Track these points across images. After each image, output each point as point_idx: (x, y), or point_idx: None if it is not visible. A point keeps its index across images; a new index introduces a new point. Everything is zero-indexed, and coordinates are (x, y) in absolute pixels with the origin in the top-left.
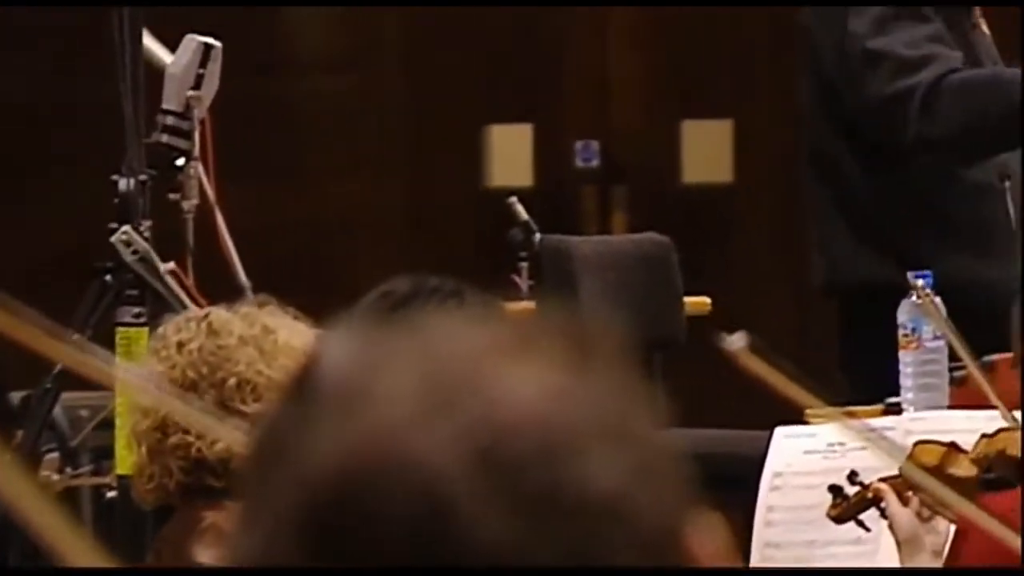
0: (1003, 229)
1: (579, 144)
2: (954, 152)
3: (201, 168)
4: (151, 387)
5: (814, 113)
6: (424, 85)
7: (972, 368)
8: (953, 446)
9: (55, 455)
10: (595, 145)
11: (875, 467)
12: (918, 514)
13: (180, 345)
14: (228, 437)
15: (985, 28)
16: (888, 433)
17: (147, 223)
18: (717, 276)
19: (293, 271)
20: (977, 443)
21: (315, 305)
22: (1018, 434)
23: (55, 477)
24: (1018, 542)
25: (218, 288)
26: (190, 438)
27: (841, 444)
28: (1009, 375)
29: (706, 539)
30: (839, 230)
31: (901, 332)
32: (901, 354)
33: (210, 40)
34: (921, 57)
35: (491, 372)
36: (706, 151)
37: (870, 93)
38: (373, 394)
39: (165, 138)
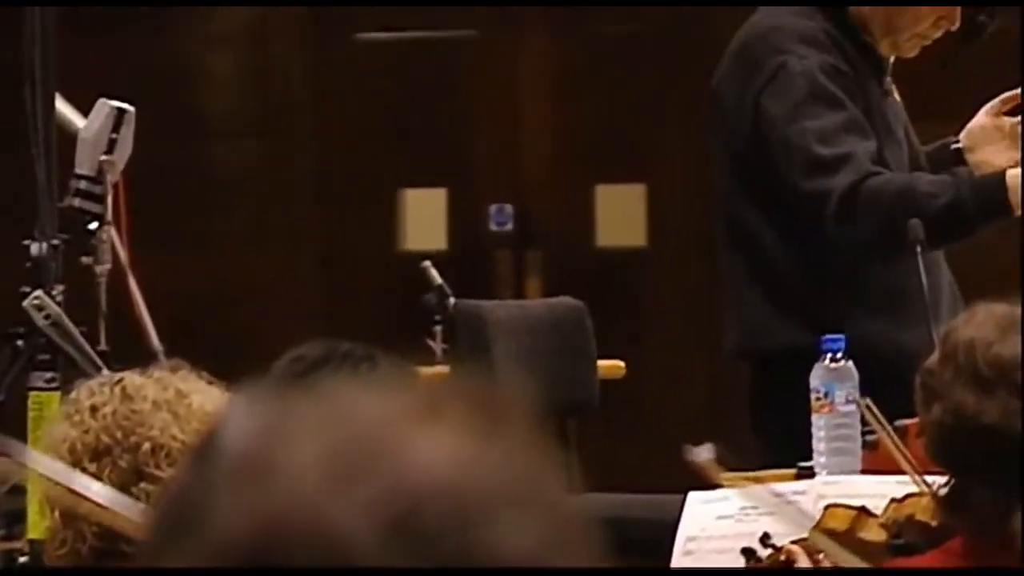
0: (916, 294)
1: (493, 208)
2: (870, 255)
3: (114, 232)
4: (57, 477)
5: (727, 180)
6: (336, 150)
7: (882, 434)
8: (863, 510)
9: None
10: (509, 209)
11: (788, 531)
12: None
13: (93, 409)
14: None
15: (896, 95)
16: (800, 497)
17: (59, 287)
18: (631, 340)
19: (207, 336)
20: (887, 508)
21: (229, 370)
22: (927, 499)
23: None
24: None
25: (131, 352)
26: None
27: (754, 508)
28: (919, 440)
29: None
30: (753, 294)
31: (814, 396)
32: (814, 418)
33: (123, 105)
34: (835, 157)
35: (401, 439)
36: (620, 215)
37: (785, 183)
38: (281, 463)
39: (78, 202)
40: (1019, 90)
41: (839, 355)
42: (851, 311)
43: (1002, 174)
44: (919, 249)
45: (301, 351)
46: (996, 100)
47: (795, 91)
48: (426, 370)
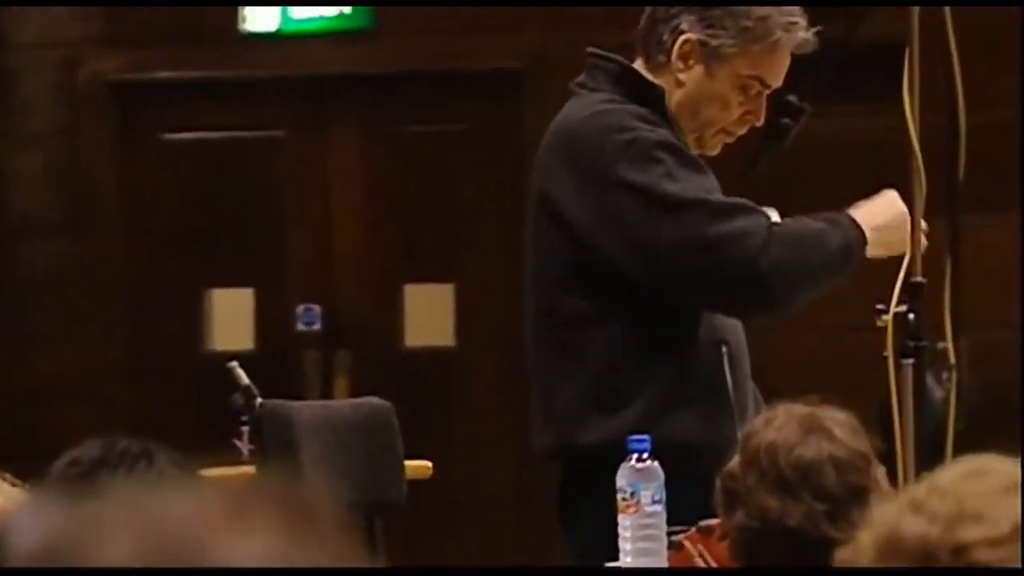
0: (724, 394)
1: (301, 308)
2: (779, 294)
3: None
4: None
5: (551, 274)
6: (144, 249)
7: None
8: None
9: None
10: (317, 309)
11: None
12: None
13: None
14: None
15: None
16: None
17: None
18: (439, 440)
19: (11, 436)
20: None
21: (33, 471)
22: None
23: None
24: None
25: None
26: None
27: None
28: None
29: None
30: (563, 391)
31: (620, 496)
32: (620, 518)
33: None
34: (730, 205)
35: (211, 543)
36: (428, 315)
37: (681, 235)
38: (90, 564)
39: None
40: None
41: (645, 455)
42: (663, 409)
43: (856, 223)
44: (724, 349)
45: (77, 453)
46: None
47: (660, 160)
48: (233, 471)
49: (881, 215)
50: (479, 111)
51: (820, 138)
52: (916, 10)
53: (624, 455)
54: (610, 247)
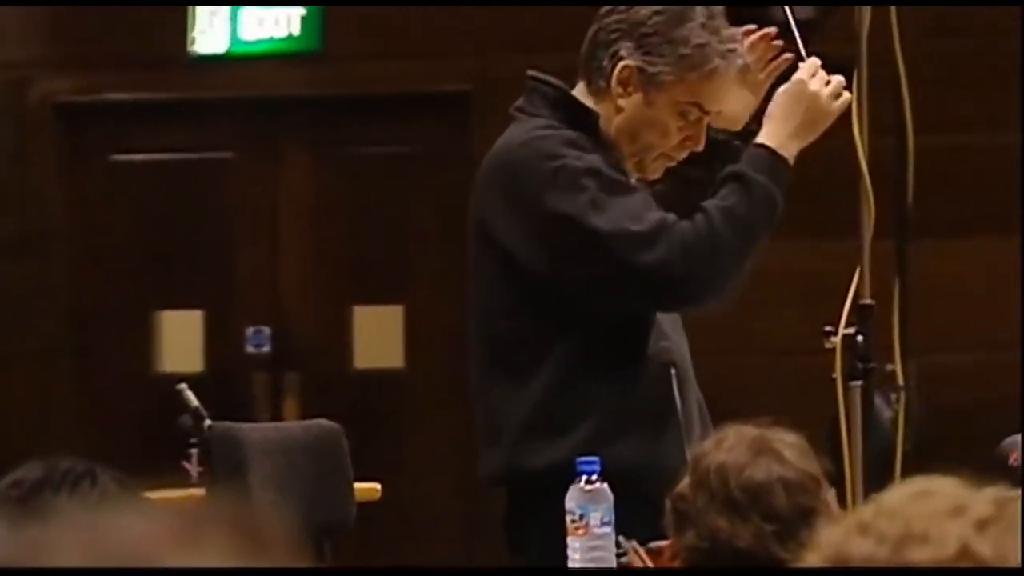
0: (673, 415)
1: (250, 330)
2: (714, 296)
3: None
4: None
5: (492, 299)
6: (92, 271)
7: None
8: None
9: None
10: (266, 331)
11: None
12: None
13: None
14: None
15: None
16: None
17: None
18: (388, 462)
19: None
20: None
21: None
22: None
23: None
24: None
25: None
26: None
27: None
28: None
29: None
30: (509, 417)
31: (569, 518)
32: (569, 540)
33: None
34: (652, 231)
35: (160, 565)
36: (377, 337)
37: (607, 267)
38: None
39: None
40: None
41: (594, 477)
42: (611, 431)
43: (771, 150)
44: (673, 370)
45: (19, 474)
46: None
47: (586, 187)
48: (182, 493)
49: (791, 113)
50: (428, 133)
51: None
52: (864, 33)
53: (572, 477)
54: (544, 273)
